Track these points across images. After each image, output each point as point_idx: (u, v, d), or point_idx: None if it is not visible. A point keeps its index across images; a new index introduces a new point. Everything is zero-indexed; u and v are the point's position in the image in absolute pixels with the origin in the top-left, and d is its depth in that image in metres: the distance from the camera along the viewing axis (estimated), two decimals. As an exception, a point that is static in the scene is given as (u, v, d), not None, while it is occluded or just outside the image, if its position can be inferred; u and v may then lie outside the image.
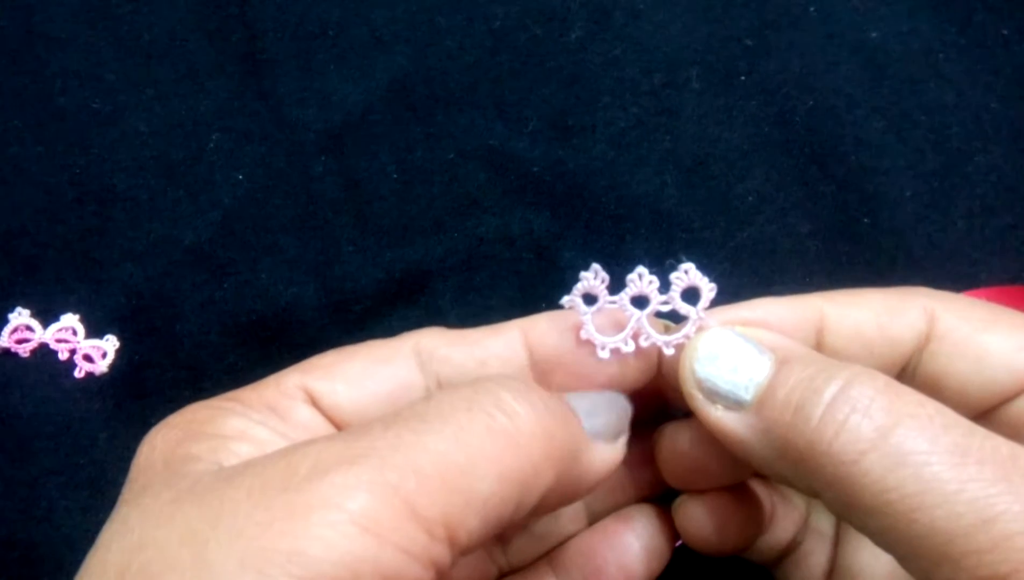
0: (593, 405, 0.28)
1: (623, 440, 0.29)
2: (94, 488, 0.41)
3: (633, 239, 0.43)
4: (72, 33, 0.46)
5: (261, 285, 0.43)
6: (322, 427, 0.29)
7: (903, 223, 0.43)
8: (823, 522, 0.34)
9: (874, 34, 0.45)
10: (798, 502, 0.34)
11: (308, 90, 0.45)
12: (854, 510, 0.25)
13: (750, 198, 0.44)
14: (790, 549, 0.34)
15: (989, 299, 0.42)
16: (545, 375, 0.30)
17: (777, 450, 0.27)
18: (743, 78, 0.45)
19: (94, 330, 0.43)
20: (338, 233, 0.44)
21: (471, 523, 0.23)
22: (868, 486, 0.24)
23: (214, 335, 0.43)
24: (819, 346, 0.30)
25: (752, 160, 0.44)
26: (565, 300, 0.30)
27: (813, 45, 0.45)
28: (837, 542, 0.34)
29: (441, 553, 0.22)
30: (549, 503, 0.26)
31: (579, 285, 0.30)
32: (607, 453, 0.28)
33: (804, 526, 0.34)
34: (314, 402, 0.29)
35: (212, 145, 0.45)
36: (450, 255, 0.43)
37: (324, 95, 0.45)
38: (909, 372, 0.30)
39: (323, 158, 0.45)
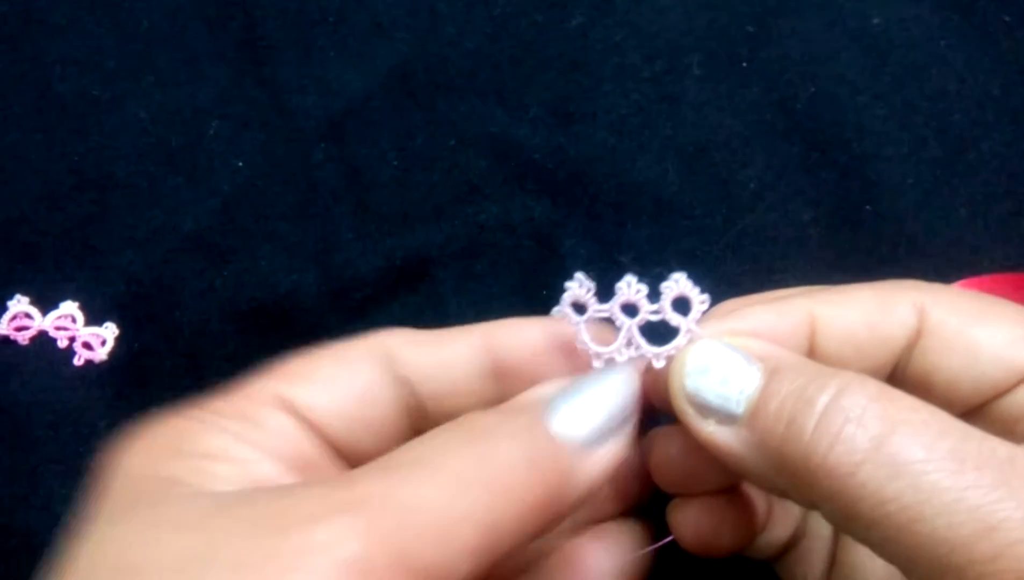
0: (579, 411, 0.27)
1: (624, 433, 0.27)
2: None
3: (634, 227, 0.43)
4: (71, 19, 0.46)
5: (261, 272, 0.43)
6: (297, 434, 0.28)
7: (905, 210, 0.43)
8: (822, 519, 0.34)
9: (876, 20, 0.45)
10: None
11: (308, 77, 0.45)
12: (853, 522, 0.24)
13: (751, 185, 0.43)
14: (790, 545, 0.34)
15: (987, 287, 0.42)
16: (507, 380, 0.30)
17: (772, 464, 0.26)
18: (745, 65, 0.45)
19: (93, 318, 0.43)
20: (338, 220, 0.43)
21: (462, 568, 0.23)
22: (866, 498, 0.23)
23: (214, 323, 0.42)
24: (811, 350, 0.29)
25: (754, 147, 0.44)
26: (555, 311, 0.29)
27: (815, 32, 0.45)
28: (836, 538, 0.33)
29: None
30: (541, 531, 0.25)
31: (566, 294, 0.29)
32: (601, 458, 0.27)
33: (804, 522, 0.34)
34: (287, 408, 0.29)
35: (212, 132, 0.44)
36: (450, 242, 0.43)
37: (324, 82, 0.45)
38: (900, 369, 0.29)
39: (323, 145, 0.44)
